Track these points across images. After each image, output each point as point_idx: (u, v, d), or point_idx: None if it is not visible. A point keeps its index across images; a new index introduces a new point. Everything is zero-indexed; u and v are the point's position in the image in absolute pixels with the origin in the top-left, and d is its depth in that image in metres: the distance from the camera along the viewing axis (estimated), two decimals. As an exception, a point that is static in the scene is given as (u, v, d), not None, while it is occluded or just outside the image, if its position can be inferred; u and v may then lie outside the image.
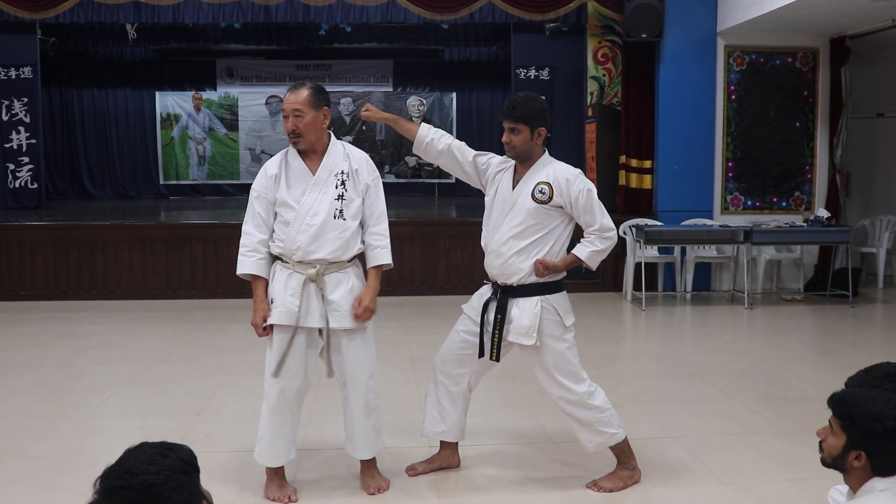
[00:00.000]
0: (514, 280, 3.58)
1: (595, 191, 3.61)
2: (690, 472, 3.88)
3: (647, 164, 9.32)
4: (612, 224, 3.62)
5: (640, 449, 3.85)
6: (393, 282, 8.48)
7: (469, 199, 13.64)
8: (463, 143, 3.88)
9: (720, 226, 8.59)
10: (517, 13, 9.57)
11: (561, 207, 3.58)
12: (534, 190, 3.58)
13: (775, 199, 9.29)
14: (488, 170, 3.80)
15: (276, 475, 3.62)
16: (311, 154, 3.56)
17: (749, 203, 9.26)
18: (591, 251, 3.60)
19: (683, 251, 8.99)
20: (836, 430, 2.33)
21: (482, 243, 3.76)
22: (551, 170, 3.63)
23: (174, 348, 6.53)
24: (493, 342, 3.60)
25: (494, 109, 14.87)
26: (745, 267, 8.43)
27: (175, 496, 1.62)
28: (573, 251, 3.63)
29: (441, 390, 3.81)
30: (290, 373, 3.51)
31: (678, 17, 8.97)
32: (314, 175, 3.51)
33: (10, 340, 6.78)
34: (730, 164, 9.20)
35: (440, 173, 14.45)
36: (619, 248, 8.83)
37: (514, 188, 3.65)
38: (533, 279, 3.57)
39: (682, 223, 8.82)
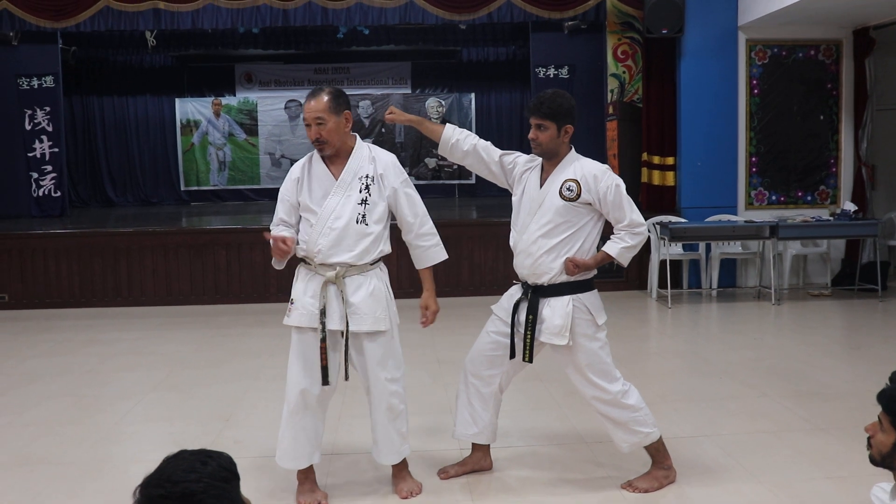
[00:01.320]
0: (544, 280, 3.55)
1: (623, 186, 3.57)
2: (726, 471, 3.82)
3: (670, 160, 9.25)
4: (642, 219, 3.57)
5: (673, 448, 3.80)
6: (417, 284, 8.40)
7: (489, 200, 13.61)
8: (489, 142, 3.84)
9: (745, 221, 8.50)
10: (536, 12, 9.53)
11: (589, 204, 3.54)
12: (561, 187, 3.54)
13: (800, 194, 9.19)
14: (515, 169, 3.77)
15: (307, 479, 3.61)
16: (336, 158, 3.54)
17: (773, 198, 9.16)
18: (621, 247, 3.55)
19: (708, 248, 8.91)
20: (885, 426, 2.27)
21: (511, 243, 3.72)
22: (578, 166, 3.59)
23: (200, 354, 6.53)
24: (525, 343, 3.56)
25: (514, 109, 14.81)
26: (772, 262, 8.34)
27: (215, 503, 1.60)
28: (603, 248, 3.59)
29: (472, 392, 3.78)
30: (311, 375, 3.49)
31: (699, 11, 8.89)
32: (337, 179, 3.49)
33: (38, 348, 6.81)
34: (753, 158, 9.11)
35: (460, 174, 14.40)
36: (644, 246, 8.73)
37: (541, 187, 3.61)
38: (564, 278, 3.53)
39: (707, 220, 8.73)
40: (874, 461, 2.36)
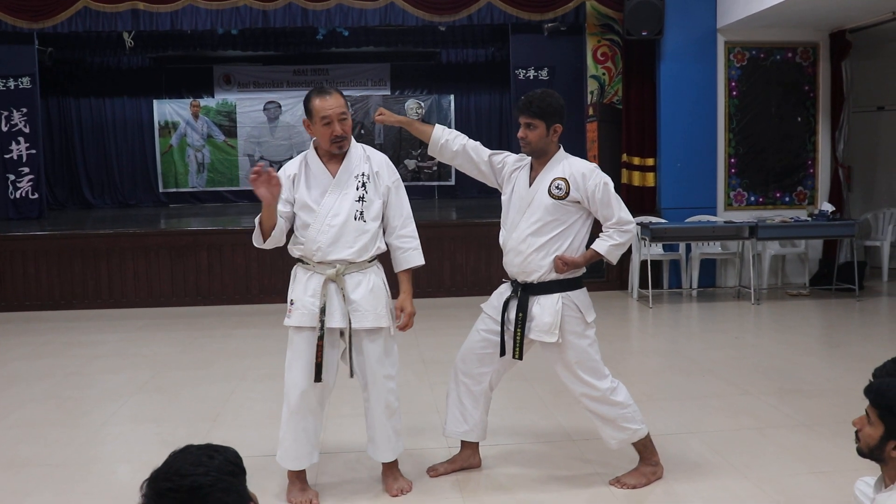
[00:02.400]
0: (534, 277, 3.58)
1: (612, 184, 3.60)
2: (712, 467, 3.87)
3: (650, 161, 9.33)
4: (630, 217, 3.61)
5: (659, 445, 3.83)
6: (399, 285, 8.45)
7: (469, 201, 13.65)
8: (478, 143, 3.86)
9: (725, 222, 8.59)
10: (516, 13, 9.58)
11: (578, 202, 3.57)
12: (550, 186, 3.57)
13: (778, 195, 9.30)
14: (504, 168, 3.79)
15: (298, 479, 3.61)
16: (333, 157, 3.54)
17: (752, 199, 9.26)
18: (610, 245, 3.59)
19: (688, 248, 8.99)
20: (873, 419, 2.32)
21: (500, 242, 3.75)
22: (567, 165, 3.62)
23: (184, 355, 6.51)
24: (515, 341, 3.59)
25: (493, 111, 14.87)
26: (751, 262, 8.43)
27: (224, 497, 1.61)
28: (592, 246, 3.62)
29: (462, 390, 3.80)
30: (311, 374, 3.49)
31: (678, 14, 8.97)
32: (334, 177, 3.50)
33: (18, 350, 6.75)
34: (732, 160, 9.20)
35: (440, 176, 14.45)
36: (624, 247, 8.83)
37: (530, 185, 3.64)
38: (553, 276, 3.56)
39: (687, 220, 8.82)
40: (862, 453, 2.41)
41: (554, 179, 3.58)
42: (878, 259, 9.47)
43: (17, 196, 10.70)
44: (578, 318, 3.58)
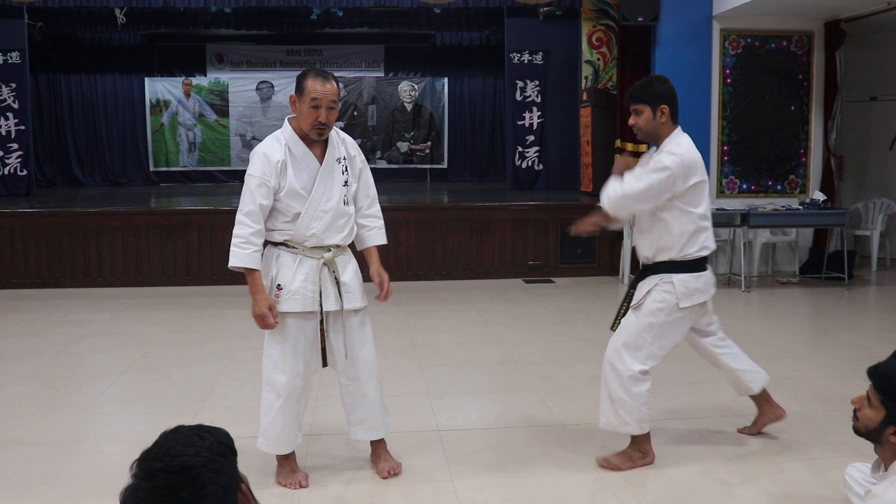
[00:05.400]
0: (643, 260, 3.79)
1: (660, 166, 3.59)
2: (701, 453, 3.88)
3: (643, 148, 9.28)
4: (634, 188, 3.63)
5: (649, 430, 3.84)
6: (389, 267, 8.40)
7: (461, 184, 13.63)
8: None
9: (717, 209, 8.59)
10: (511, -4, 9.54)
11: None
12: None
13: (770, 183, 9.31)
14: None
15: (288, 460, 3.61)
16: (315, 141, 3.49)
17: (745, 187, 9.27)
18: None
19: (679, 235, 8.98)
20: (874, 403, 2.32)
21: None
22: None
23: (173, 335, 6.48)
24: (618, 313, 3.80)
25: (486, 94, 14.83)
26: (742, 250, 8.45)
27: (215, 478, 1.59)
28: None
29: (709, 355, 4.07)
30: (304, 361, 3.49)
31: (674, 0, 8.94)
32: (321, 163, 3.47)
33: (6, 329, 6.71)
34: (725, 147, 9.21)
35: (432, 158, 14.40)
36: (616, 233, 8.85)
37: None
38: (659, 259, 3.68)
39: (678, 207, 8.79)
40: (858, 432, 2.42)
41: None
42: (868, 248, 9.50)
43: (6, 172, 10.63)
44: (667, 296, 3.63)
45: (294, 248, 3.48)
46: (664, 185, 3.55)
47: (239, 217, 3.41)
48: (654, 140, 3.71)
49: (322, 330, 3.47)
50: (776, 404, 4.07)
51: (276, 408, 3.51)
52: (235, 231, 3.41)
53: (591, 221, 3.84)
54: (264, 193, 3.38)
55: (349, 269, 3.56)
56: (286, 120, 3.53)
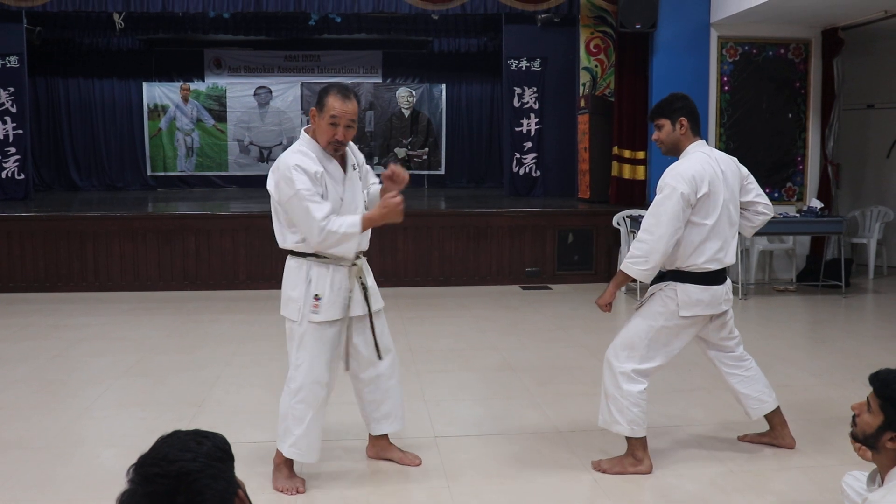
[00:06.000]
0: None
1: (666, 194, 3.60)
2: (699, 460, 3.88)
3: (641, 154, 9.33)
4: (650, 235, 3.62)
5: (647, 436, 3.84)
6: (387, 273, 8.45)
7: (458, 191, 13.62)
8: None
9: (714, 216, 8.58)
10: (510, 3, 9.56)
11: None
12: None
13: (767, 190, 9.26)
14: None
15: (286, 466, 3.60)
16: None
17: (741, 194, 9.25)
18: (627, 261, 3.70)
19: (677, 242, 8.98)
20: (874, 408, 2.32)
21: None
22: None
23: (170, 340, 6.47)
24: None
25: (484, 101, 14.83)
26: (739, 257, 8.46)
27: (212, 484, 1.59)
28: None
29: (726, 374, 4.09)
30: (332, 366, 3.56)
31: (672, 7, 8.97)
32: (345, 171, 3.54)
33: (1, 333, 6.69)
34: (722, 155, 9.20)
35: (430, 164, 14.40)
36: (613, 240, 8.86)
37: None
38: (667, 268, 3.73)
39: (676, 214, 8.80)
40: (856, 438, 2.42)
41: None
42: (865, 256, 9.51)
43: (3, 176, 10.61)
44: (669, 302, 3.68)
45: (325, 257, 3.48)
46: (677, 206, 3.55)
47: (321, 224, 3.30)
48: (676, 153, 3.80)
49: (349, 335, 3.59)
50: (789, 433, 4.05)
51: (310, 418, 3.52)
52: (329, 229, 3.31)
53: (611, 292, 3.76)
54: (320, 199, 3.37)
55: (370, 273, 3.69)
56: (303, 131, 3.52)
